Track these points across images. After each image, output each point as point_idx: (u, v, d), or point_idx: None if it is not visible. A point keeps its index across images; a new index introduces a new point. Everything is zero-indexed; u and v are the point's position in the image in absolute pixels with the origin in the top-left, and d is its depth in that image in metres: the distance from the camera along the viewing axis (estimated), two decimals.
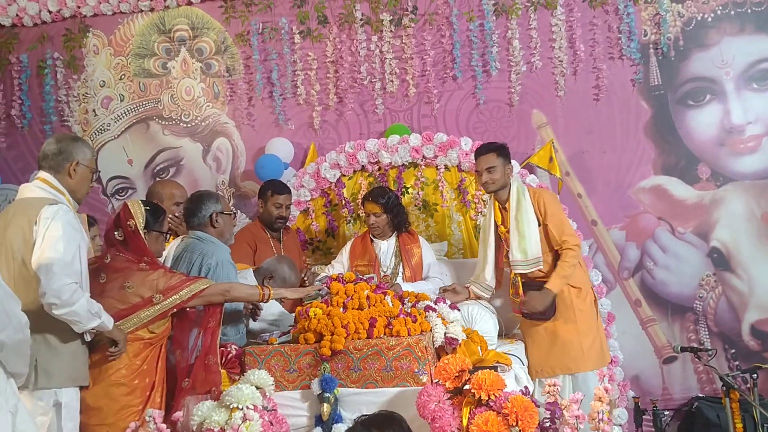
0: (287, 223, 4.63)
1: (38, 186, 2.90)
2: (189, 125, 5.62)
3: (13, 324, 2.29)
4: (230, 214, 3.64)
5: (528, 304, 3.87)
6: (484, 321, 3.81)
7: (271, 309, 3.69)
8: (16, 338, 2.30)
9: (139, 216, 3.13)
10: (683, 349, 3.85)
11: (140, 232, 3.12)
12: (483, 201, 4.78)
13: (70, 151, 2.94)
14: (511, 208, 3.94)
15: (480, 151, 3.98)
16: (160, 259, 3.37)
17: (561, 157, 5.07)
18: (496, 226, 4.04)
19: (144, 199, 3.73)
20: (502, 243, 4.02)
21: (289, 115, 5.45)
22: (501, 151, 4.00)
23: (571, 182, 5.10)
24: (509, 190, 3.95)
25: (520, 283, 3.92)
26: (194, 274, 3.35)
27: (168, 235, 3.43)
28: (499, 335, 4.03)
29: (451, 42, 5.15)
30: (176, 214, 3.91)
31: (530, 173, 4.90)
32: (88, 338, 2.88)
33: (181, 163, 5.61)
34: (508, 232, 3.96)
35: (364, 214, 4.49)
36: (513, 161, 4.65)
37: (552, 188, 4.92)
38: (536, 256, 3.88)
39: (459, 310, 3.55)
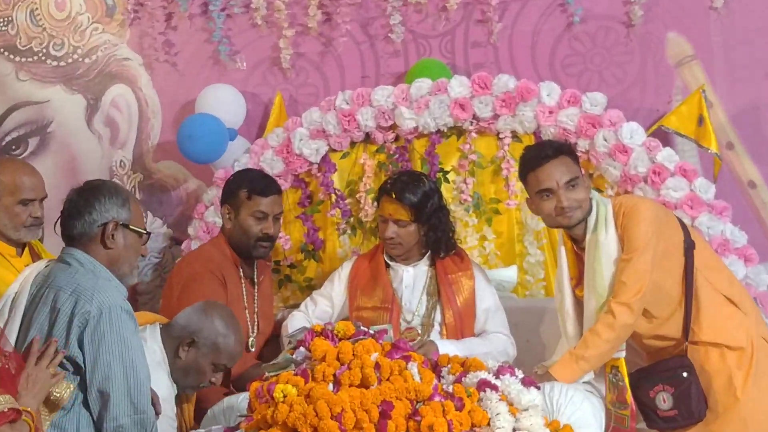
0: (271, 251, 4.74)
1: None
2: (62, 64, 5.64)
3: None
4: (141, 233, 3.55)
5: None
6: (578, 407, 3.81)
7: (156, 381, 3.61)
8: None
9: None
10: None
11: None
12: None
13: None
14: (588, 249, 4.02)
15: (542, 154, 4.03)
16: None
17: (719, 116, 5.08)
18: (574, 290, 4.19)
19: None
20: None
21: (239, 45, 5.49)
22: (572, 151, 4.14)
23: (737, 161, 5.10)
24: (587, 218, 4.06)
25: (625, 378, 3.95)
26: (60, 330, 3.28)
27: None
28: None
29: None
30: (32, 217, 4.00)
31: (663, 146, 4.86)
32: None
33: (49, 131, 5.64)
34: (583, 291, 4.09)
35: (378, 219, 4.51)
36: (634, 124, 4.79)
37: (703, 173, 4.91)
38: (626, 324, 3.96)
39: (539, 388, 3.53)
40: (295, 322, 4.38)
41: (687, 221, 4.46)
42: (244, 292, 4.50)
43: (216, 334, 3.74)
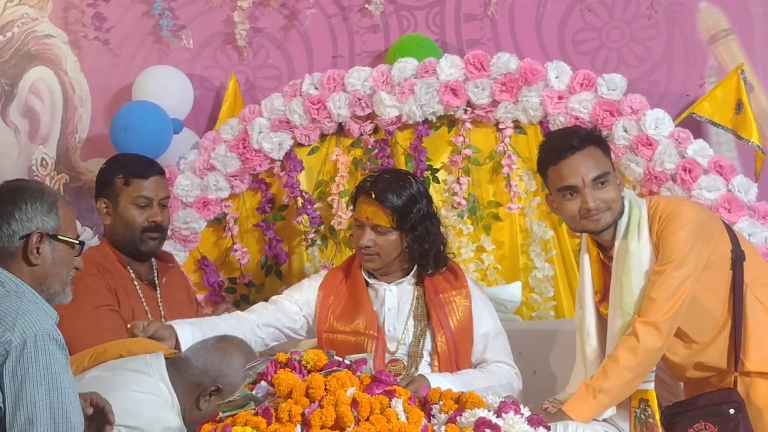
0: (163, 245, 4.76)
1: None
2: None
3: None
4: (73, 243, 3.51)
5: None
6: None
7: (167, 423, 3.69)
8: None
9: None
10: None
11: None
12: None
13: None
14: (616, 259, 4.04)
15: (567, 144, 4.02)
16: None
17: (761, 102, 5.17)
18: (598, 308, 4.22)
19: None
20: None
21: (184, 20, 5.55)
22: (603, 141, 4.14)
23: None
24: (617, 222, 4.08)
25: (656, 413, 3.97)
26: None
27: None
28: None
29: None
30: None
31: (694, 137, 4.91)
32: None
33: None
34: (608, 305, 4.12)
35: (354, 223, 4.46)
36: (660, 112, 4.83)
37: (743, 169, 4.95)
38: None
39: (548, 428, 3.51)
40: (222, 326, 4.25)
41: None
42: (142, 297, 4.53)
43: (236, 378, 3.73)
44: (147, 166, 4.59)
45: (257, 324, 4.33)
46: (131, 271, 4.56)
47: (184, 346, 4.01)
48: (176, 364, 3.80)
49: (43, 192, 3.50)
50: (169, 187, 4.75)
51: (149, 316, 4.46)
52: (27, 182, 3.69)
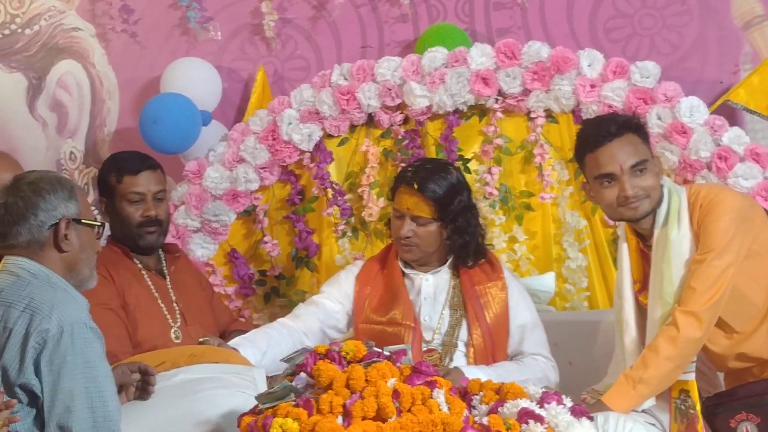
0: (166, 237, 4.76)
1: None
2: None
3: None
4: (95, 226, 3.61)
5: None
6: None
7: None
8: None
9: None
10: None
11: None
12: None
13: None
14: (656, 248, 4.03)
15: (604, 131, 4.01)
16: None
17: None
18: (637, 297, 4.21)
19: None
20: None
21: (212, 11, 5.56)
22: (642, 128, 4.10)
23: None
24: (656, 210, 4.06)
25: (697, 404, 3.94)
26: (11, 354, 3.27)
27: None
28: None
29: None
30: None
31: (731, 125, 4.90)
32: None
33: None
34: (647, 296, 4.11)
35: (392, 215, 4.47)
36: (695, 99, 4.81)
37: None
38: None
39: (591, 419, 3.53)
40: (276, 338, 4.32)
41: None
42: (152, 286, 4.56)
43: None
44: (138, 162, 4.61)
45: (304, 332, 4.36)
46: (138, 262, 4.58)
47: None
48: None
49: (60, 180, 3.55)
50: (165, 181, 4.71)
51: (159, 302, 4.51)
52: (41, 173, 3.69)
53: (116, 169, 4.57)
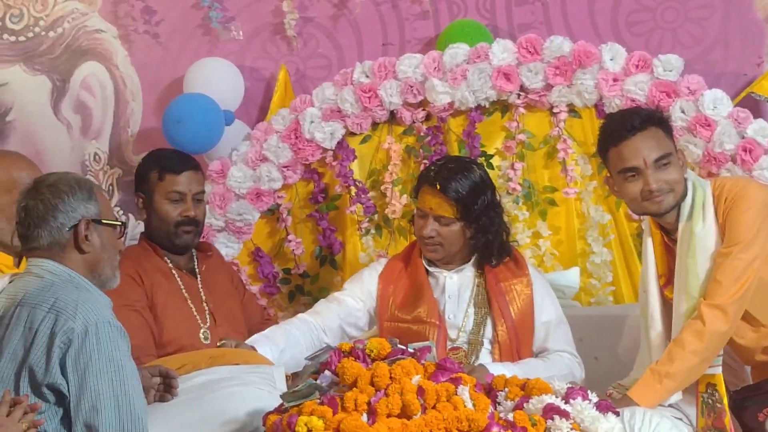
0: (201, 236, 4.81)
1: None
2: (22, 39, 5.69)
3: None
4: (115, 225, 3.63)
5: None
6: None
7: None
8: None
9: None
10: None
11: None
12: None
13: None
14: (681, 241, 4.04)
15: (628, 126, 4.02)
16: None
17: None
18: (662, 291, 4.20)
19: None
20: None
21: (233, 11, 5.54)
22: (665, 122, 4.12)
23: None
24: (680, 204, 4.07)
25: (724, 398, 3.96)
26: (38, 355, 3.28)
27: None
28: None
29: None
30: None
31: (754, 117, 4.91)
32: None
33: (7, 119, 5.68)
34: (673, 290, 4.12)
35: (415, 213, 4.50)
36: (718, 92, 4.84)
37: None
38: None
39: (618, 414, 3.57)
40: (296, 335, 4.35)
41: None
42: (182, 284, 4.58)
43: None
44: (181, 162, 4.64)
45: (323, 329, 4.36)
46: (169, 261, 4.61)
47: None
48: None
49: (79, 181, 3.57)
50: (204, 182, 4.78)
51: (189, 302, 4.54)
52: (60, 175, 3.71)
53: (158, 166, 4.60)
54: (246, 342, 4.35)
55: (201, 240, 4.77)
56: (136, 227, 5.42)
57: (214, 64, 5.41)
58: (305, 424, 3.15)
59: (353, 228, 5.20)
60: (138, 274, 4.48)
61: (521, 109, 5.03)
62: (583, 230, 5.05)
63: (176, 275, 4.59)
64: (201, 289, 4.62)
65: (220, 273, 4.82)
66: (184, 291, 4.57)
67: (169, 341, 4.40)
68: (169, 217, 4.55)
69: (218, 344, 4.42)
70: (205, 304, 4.56)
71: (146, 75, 5.59)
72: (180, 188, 4.55)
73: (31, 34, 5.62)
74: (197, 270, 4.68)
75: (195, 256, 4.70)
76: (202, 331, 4.49)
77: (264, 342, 4.32)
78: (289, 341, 4.32)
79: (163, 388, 3.79)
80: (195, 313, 4.50)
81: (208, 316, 4.53)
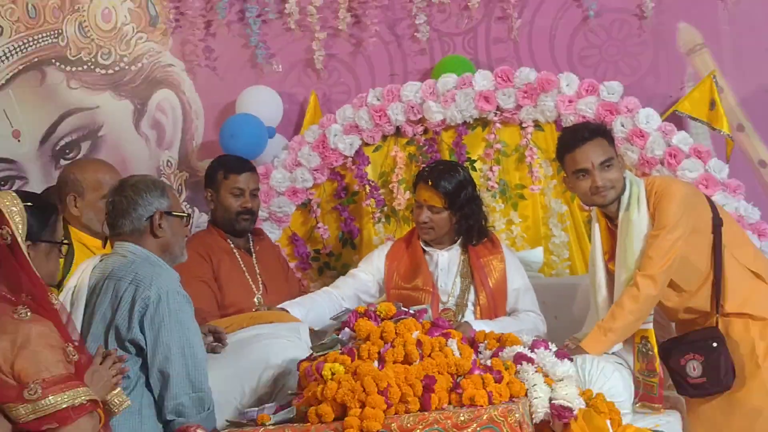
0: (256, 223, 4.78)
1: None
2: (110, 72, 5.63)
3: None
4: (182, 216, 3.64)
5: None
6: (609, 377, 3.81)
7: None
8: None
9: (15, 217, 3.04)
10: None
11: (20, 245, 3.00)
12: None
13: None
14: (621, 227, 4.03)
15: (579, 136, 4.03)
16: (63, 293, 3.43)
17: (729, 100, 5.06)
18: (607, 265, 4.18)
19: (39, 191, 3.90)
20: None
21: (274, 49, 5.47)
22: (608, 133, 4.12)
23: (748, 142, 5.07)
24: (620, 197, 4.06)
25: (654, 347, 3.96)
26: (122, 316, 3.34)
27: (67, 248, 3.42)
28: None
29: None
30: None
31: (678, 129, 4.86)
32: None
33: (100, 135, 5.61)
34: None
35: (413, 205, 4.49)
36: (650, 110, 4.84)
37: (716, 153, 4.92)
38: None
39: (572, 360, 3.56)
40: (319, 301, 4.36)
41: None
42: (241, 261, 4.55)
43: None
44: (241, 164, 4.61)
45: (341, 297, 4.34)
46: (231, 243, 4.57)
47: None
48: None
49: (154, 182, 3.61)
50: (259, 181, 4.73)
51: (246, 275, 4.53)
52: (140, 177, 3.76)
53: (224, 168, 4.58)
54: (279, 306, 4.34)
55: (256, 227, 4.75)
56: (199, 218, 5.40)
57: (259, 90, 5.35)
58: (330, 369, 3.17)
59: (368, 217, 5.13)
60: (207, 253, 4.48)
61: (497, 125, 4.99)
62: (545, 218, 4.99)
63: (236, 253, 4.57)
64: (255, 265, 4.60)
65: (270, 252, 4.79)
66: (242, 265, 4.55)
67: (230, 304, 4.39)
68: (231, 208, 4.53)
69: (254, 309, 4.42)
70: (258, 276, 4.55)
71: (206, 99, 5.55)
72: (240, 185, 4.53)
73: (117, 68, 5.59)
74: (252, 250, 4.65)
75: (251, 239, 4.67)
76: (256, 297, 4.49)
77: (293, 306, 4.31)
78: (313, 306, 4.31)
79: (214, 343, 3.81)
80: (251, 283, 4.50)
81: (261, 285, 4.53)
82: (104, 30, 5.57)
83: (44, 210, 3.14)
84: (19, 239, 3.00)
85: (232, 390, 3.72)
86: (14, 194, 3.10)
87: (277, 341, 3.87)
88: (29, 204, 3.08)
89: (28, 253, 3.02)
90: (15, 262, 2.99)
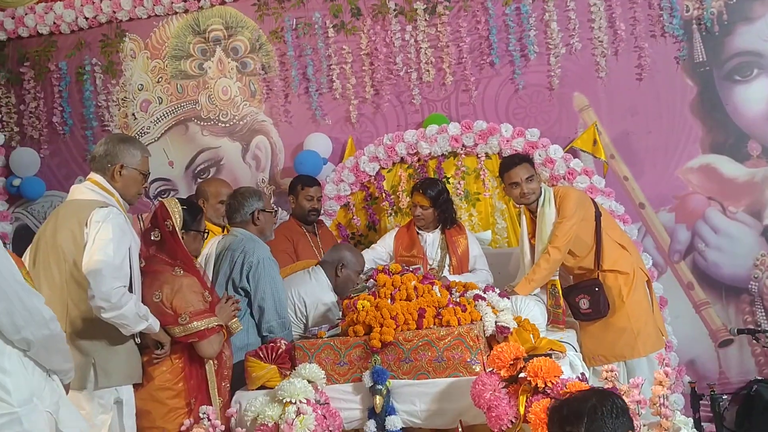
0: (319, 217, 4.66)
1: (88, 188, 2.93)
2: (227, 125, 5.63)
3: (36, 320, 2.14)
4: (272, 212, 3.66)
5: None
6: (531, 309, 3.76)
7: (324, 299, 3.66)
8: (41, 334, 2.15)
9: (176, 215, 3.05)
10: (740, 332, 3.97)
11: (178, 231, 3.03)
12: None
13: (115, 154, 2.94)
14: (539, 217, 3.96)
15: (513, 162, 3.98)
16: (200, 259, 3.40)
17: (605, 139, 5.01)
18: (530, 240, 4.07)
19: (186, 198, 3.73)
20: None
21: (326, 110, 5.45)
22: (531, 160, 4.02)
23: (617, 165, 5.05)
24: (538, 199, 3.97)
25: (559, 291, 3.92)
26: (236, 273, 3.37)
27: (206, 234, 3.36)
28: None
29: (487, 28, 5.11)
30: (223, 213, 3.92)
31: (574, 157, 4.90)
32: (137, 340, 2.91)
33: (221, 163, 5.63)
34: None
35: (411, 205, 4.43)
36: (557, 146, 4.90)
37: (597, 172, 4.92)
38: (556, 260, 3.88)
39: (509, 298, 3.52)
40: (367, 267, 4.03)
41: None
42: (310, 241, 4.46)
43: (348, 256, 3.72)
44: (312, 181, 4.55)
45: (372, 259, 4.28)
46: (304, 228, 4.50)
47: None
48: (324, 263, 3.77)
49: (255, 190, 3.65)
50: (322, 191, 4.72)
51: (313, 249, 4.41)
52: (246, 187, 3.74)
53: (301, 182, 4.49)
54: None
55: (319, 219, 4.65)
56: (281, 214, 5.27)
57: (317, 136, 5.33)
58: (361, 304, 3.18)
59: (384, 213, 5.11)
60: (289, 236, 4.41)
61: (463, 156, 4.98)
62: (492, 212, 4.97)
63: (307, 236, 4.49)
64: (319, 241, 4.51)
65: (328, 235, 4.68)
66: (311, 243, 4.47)
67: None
68: (305, 208, 4.45)
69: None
70: (321, 250, 4.43)
71: (285, 141, 5.50)
72: (311, 193, 4.45)
73: (231, 123, 5.58)
74: (317, 233, 4.55)
75: (315, 227, 4.56)
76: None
77: None
78: None
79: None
80: (316, 254, 4.39)
81: (321, 253, 4.37)
82: (223, 99, 5.59)
83: (193, 210, 3.15)
84: (177, 228, 3.02)
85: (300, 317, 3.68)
86: (176, 200, 3.12)
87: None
88: (184, 207, 3.10)
89: (183, 237, 3.04)
90: (174, 242, 3.01)
